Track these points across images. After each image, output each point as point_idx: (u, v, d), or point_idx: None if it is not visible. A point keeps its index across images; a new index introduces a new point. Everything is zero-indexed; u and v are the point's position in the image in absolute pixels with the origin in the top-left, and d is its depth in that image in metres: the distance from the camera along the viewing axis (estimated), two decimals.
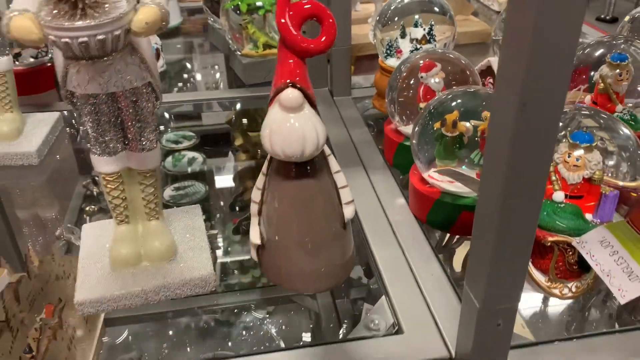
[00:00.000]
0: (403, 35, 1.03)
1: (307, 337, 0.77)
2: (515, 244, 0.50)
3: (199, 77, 1.46)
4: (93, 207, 0.91)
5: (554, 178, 0.67)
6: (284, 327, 0.75)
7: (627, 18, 1.08)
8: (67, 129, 1.13)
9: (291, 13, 0.52)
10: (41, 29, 0.52)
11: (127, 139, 0.64)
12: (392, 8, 1.07)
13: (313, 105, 0.54)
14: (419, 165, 0.81)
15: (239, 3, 1.23)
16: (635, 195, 0.68)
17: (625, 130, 0.71)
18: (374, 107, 1.11)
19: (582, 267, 0.66)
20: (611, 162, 0.70)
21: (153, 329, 0.76)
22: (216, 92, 1.33)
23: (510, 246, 0.50)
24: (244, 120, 1.24)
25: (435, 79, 0.87)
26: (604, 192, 0.66)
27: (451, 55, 0.92)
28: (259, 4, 1.23)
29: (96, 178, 0.95)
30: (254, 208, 0.59)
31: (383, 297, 0.71)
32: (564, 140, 0.68)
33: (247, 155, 1.10)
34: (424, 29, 1.01)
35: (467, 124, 0.76)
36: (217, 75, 1.44)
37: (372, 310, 0.71)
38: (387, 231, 0.80)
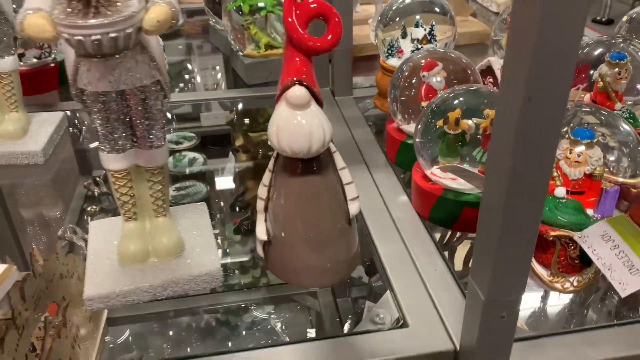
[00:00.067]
0: (404, 36, 1.04)
1: (312, 333, 0.78)
2: (520, 237, 0.51)
3: (199, 78, 1.46)
4: (94, 207, 0.91)
5: (555, 174, 0.68)
6: (288, 324, 0.76)
7: (624, 18, 1.09)
8: (70, 129, 1.13)
9: (298, 12, 0.53)
10: (54, 27, 0.53)
11: (136, 137, 0.65)
12: (393, 8, 1.08)
13: (319, 102, 0.55)
14: (422, 163, 0.82)
15: (241, 4, 1.24)
16: (635, 191, 0.69)
17: (626, 127, 0.72)
18: (375, 107, 1.12)
19: (584, 261, 0.67)
20: (612, 158, 0.71)
21: (155, 328, 0.76)
22: (217, 92, 1.34)
23: (515, 239, 0.51)
24: (245, 121, 1.25)
25: (436, 78, 0.88)
26: (604, 187, 0.67)
27: (452, 55, 0.93)
28: (260, 4, 1.24)
29: (97, 179, 0.95)
30: (260, 204, 0.60)
31: (388, 291, 0.72)
32: (566, 137, 0.69)
33: (248, 155, 1.10)
34: (425, 29, 1.02)
35: (470, 122, 0.77)
36: (219, 76, 1.45)
37: (376, 305, 0.72)
38: (391, 228, 0.81)
